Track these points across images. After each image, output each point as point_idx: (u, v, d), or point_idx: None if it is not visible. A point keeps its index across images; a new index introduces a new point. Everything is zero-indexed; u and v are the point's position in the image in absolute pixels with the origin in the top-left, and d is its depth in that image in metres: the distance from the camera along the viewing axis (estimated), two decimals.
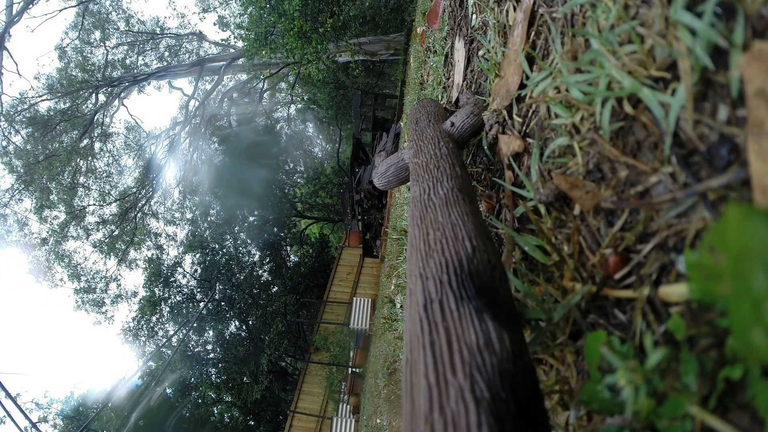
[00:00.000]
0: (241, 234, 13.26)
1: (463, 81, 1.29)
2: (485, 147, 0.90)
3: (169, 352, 12.33)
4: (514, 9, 0.85)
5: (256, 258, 13.60)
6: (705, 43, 0.32)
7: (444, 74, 1.69)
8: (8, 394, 7.58)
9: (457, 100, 1.29)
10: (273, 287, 12.95)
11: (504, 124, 0.84)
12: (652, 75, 0.38)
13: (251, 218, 13.99)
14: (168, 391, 12.80)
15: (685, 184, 0.35)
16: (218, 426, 12.75)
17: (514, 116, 0.78)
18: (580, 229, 0.50)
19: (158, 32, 14.35)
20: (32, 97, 12.76)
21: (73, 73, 13.23)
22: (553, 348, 0.53)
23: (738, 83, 0.31)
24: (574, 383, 0.50)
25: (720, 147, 0.33)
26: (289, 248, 14.57)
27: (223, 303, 12.22)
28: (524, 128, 0.74)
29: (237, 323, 12.76)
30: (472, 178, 1.01)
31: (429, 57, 2.36)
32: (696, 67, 0.32)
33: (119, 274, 14.13)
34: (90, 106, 13.16)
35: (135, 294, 14.10)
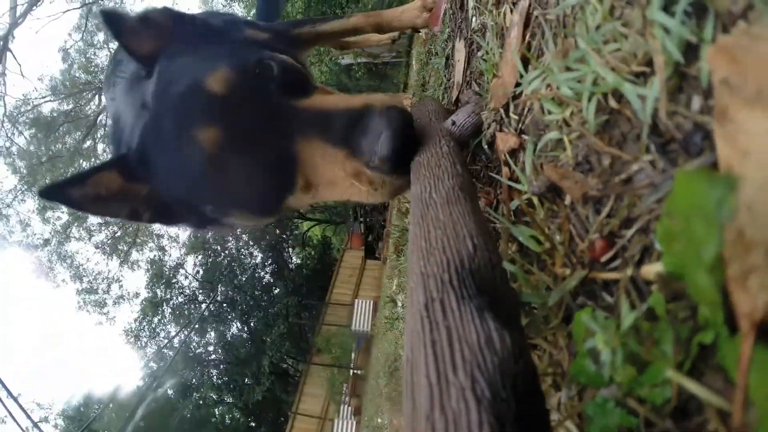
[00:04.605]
0: (243, 236, 13.30)
1: (464, 81, 1.32)
2: (484, 145, 0.93)
3: (171, 353, 12.36)
4: (511, 11, 0.88)
5: (258, 260, 13.65)
6: (677, 40, 0.34)
7: (445, 75, 1.72)
8: (10, 394, 7.62)
9: (458, 99, 1.32)
10: (275, 289, 12.98)
11: (501, 122, 0.87)
12: (633, 71, 0.41)
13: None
14: (170, 392, 12.82)
15: (664, 170, 0.38)
16: (219, 427, 12.76)
17: (511, 114, 0.81)
18: (570, 218, 0.53)
19: None
20: (36, 98, 12.80)
21: (77, 75, 13.27)
22: (547, 332, 0.56)
23: (707, 75, 0.34)
24: (567, 365, 0.53)
25: (694, 135, 0.35)
26: (291, 250, 14.59)
27: (225, 304, 12.24)
28: (520, 125, 0.77)
29: (239, 325, 12.78)
30: (471, 176, 1.04)
31: (431, 59, 2.39)
32: (669, 62, 0.35)
33: (121, 276, 14.15)
34: (93, 107, 13.22)
35: (137, 295, 14.13)
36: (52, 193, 0.73)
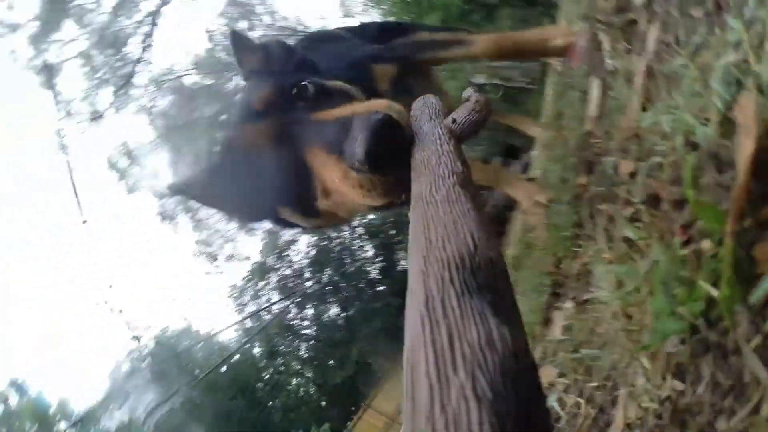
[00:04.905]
0: (359, 228, 13.27)
1: (597, 116, 1.51)
2: (611, 169, 1.14)
3: (268, 316, 13.13)
4: (637, 61, 1.09)
5: (369, 254, 13.61)
6: (723, 100, 0.57)
7: (581, 108, 1.89)
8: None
9: (591, 132, 1.52)
10: (380, 286, 13.07)
11: (625, 151, 1.08)
12: (704, 116, 0.63)
13: (371, 215, 13.96)
14: (257, 350, 13.46)
15: (717, 182, 0.60)
16: (292, 396, 13.02)
17: (632, 146, 1.02)
18: (665, 218, 0.74)
19: (300, 29, 13.47)
20: (179, 70, 13.56)
21: (219, 56, 13.56)
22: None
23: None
24: None
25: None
26: (402, 252, 14.46)
27: (329, 287, 12.64)
28: (637, 154, 0.98)
29: (337, 310, 13.08)
30: (607, 193, 1.24)
31: (568, 91, 2.55)
32: (719, 113, 0.57)
33: (237, 237, 14.45)
34: (232, 86, 13.49)
35: (248, 258, 14.46)
36: (178, 190, 1.00)
